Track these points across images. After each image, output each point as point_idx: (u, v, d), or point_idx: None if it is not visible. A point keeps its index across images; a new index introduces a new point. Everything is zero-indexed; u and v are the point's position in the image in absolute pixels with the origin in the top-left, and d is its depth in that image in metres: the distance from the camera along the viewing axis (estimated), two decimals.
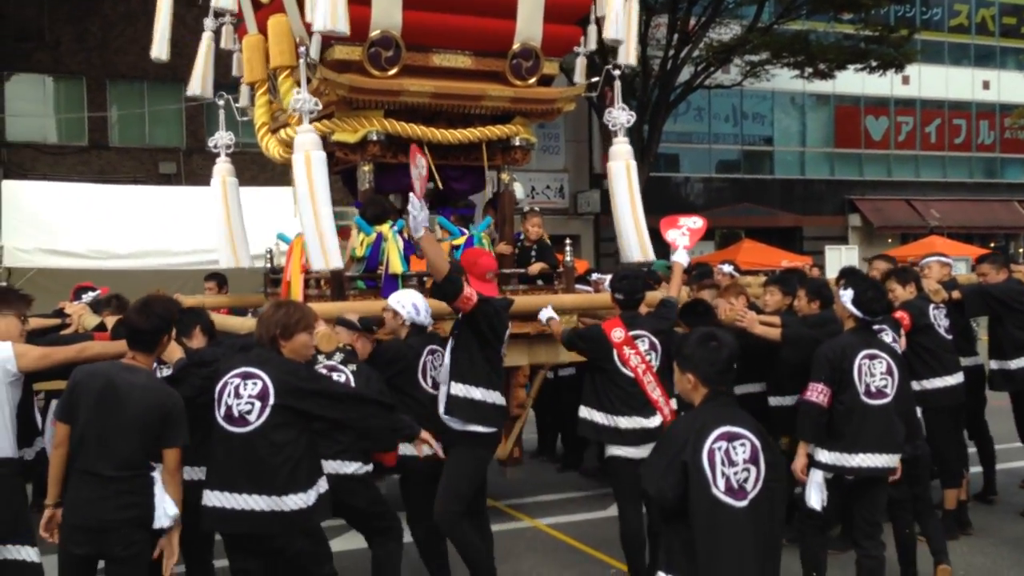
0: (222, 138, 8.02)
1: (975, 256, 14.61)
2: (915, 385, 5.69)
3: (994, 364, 6.73)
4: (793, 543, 5.18)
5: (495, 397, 5.02)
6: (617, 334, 5.33)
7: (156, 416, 3.87)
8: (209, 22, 7.73)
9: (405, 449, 5.05)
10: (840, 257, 20.96)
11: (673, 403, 5.51)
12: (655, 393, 5.34)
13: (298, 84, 6.19)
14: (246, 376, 3.96)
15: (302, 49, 6.07)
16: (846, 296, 4.96)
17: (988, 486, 7.18)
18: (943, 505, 6.42)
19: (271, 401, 3.93)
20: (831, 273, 14.23)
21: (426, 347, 5.20)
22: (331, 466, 4.72)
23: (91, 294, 6.81)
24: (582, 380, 6.87)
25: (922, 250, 19.98)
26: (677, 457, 3.17)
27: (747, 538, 3.15)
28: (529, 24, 6.75)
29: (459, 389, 4.95)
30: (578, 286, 7.47)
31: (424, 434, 4.42)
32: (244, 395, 3.93)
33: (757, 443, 3.22)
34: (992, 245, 27.96)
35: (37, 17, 21.00)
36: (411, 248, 6.87)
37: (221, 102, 8.05)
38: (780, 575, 3.31)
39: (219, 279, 8.68)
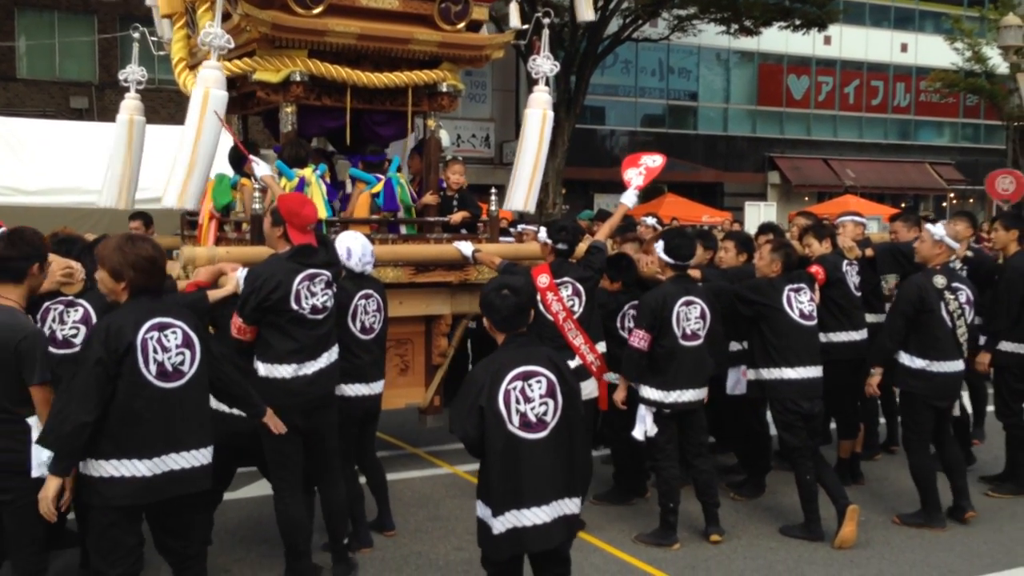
0: (133, 73, 7.72)
1: (887, 215, 15.04)
2: (822, 337, 5.91)
3: None
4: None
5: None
6: (543, 280, 5.48)
7: (10, 353, 3.78)
8: None
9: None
10: (759, 213, 21.38)
11: (600, 347, 5.67)
12: (577, 339, 5.57)
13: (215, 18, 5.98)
14: (163, 327, 3.70)
15: None
16: (658, 247, 5.49)
17: (891, 437, 7.48)
18: (838, 454, 6.71)
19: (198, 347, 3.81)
20: (750, 229, 14.51)
21: (360, 291, 5.15)
22: None
23: None
24: None
25: (837, 209, 20.49)
26: (475, 402, 3.53)
27: (544, 464, 3.55)
28: None
29: None
30: (501, 237, 7.47)
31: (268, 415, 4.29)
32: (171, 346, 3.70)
33: (553, 378, 3.60)
34: (903, 205, 28.84)
35: None
36: (334, 192, 6.78)
37: (136, 35, 7.74)
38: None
39: (145, 218, 8.32)
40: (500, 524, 3.53)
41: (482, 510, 3.61)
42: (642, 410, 5.45)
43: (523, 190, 7.00)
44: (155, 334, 3.63)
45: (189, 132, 5.69)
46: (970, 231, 7.28)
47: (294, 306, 4.53)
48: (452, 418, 3.64)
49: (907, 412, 5.88)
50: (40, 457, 3.76)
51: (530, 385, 3.55)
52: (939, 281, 5.72)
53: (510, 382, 3.54)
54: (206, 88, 5.73)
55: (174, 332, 3.69)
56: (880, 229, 13.36)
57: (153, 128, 8.31)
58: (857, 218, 7.46)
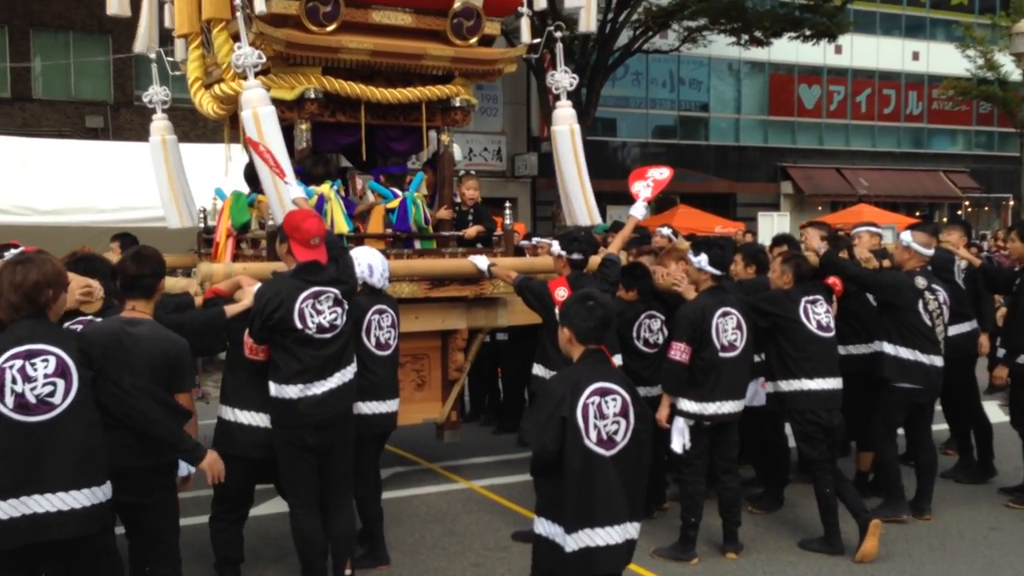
0: (157, 94, 7.78)
1: (902, 225, 14.98)
2: (840, 350, 5.89)
3: None
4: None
5: None
6: (561, 293, 5.47)
7: (163, 363, 3.84)
8: None
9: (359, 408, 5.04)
10: (773, 224, 21.28)
11: (616, 360, 5.65)
12: None
13: (233, 38, 6.02)
14: (31, 355, 3.39)
15: (238, 1, 5.90)
16: (703, 260, 5.45)
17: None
18: (857, 466, 6.68)
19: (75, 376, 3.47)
20: (764, 239, 14.47)
21: (373, 306, 5.15)
22: (260, 418, 4.73)
23: (14, 251, 6.58)
24: (519, 346, 6.92)
25: (851, 218, 20.42)
26: (556, 412, 3.47)
27: (615, 483, 3.50)
28: None
29: None
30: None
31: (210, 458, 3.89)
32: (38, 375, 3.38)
33: (627, 397, 3.56)
34: (917, 214, 28.71)
35: None
36: (352, 206, 6.80)
37: (153, 55, 7.80)
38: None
39: (125, 240, 8.27)
40: (574, 542, 3.46)
41: (548, 527, 3.55)
42: (680, 423, 5.40)
43: (580, 204, 7.08)
44: (17, 363, 3.34)
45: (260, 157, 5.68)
46: (964, 239, 7.43)
47: (298, 325, 4.51)
48: (527, 429, 3.60)
49: (885, 402, 6.05)
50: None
51: (606, 401, 3.51)
52: (920, 282, 5.97)
53: (588, 396, 3.49)
54: (252, 108, 5.77)
55: (44, 360, 3.38)
56: (895, 239, 13.26)
57: None
58: (873, 228, 7.45)
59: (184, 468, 4.09)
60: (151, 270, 4.05)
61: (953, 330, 6.75)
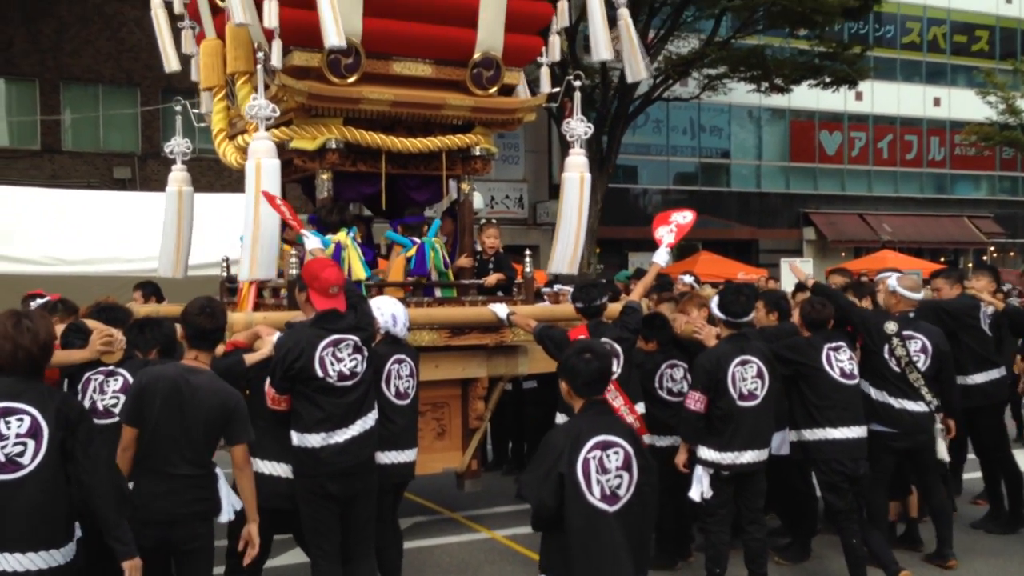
0: (178, 145, 7.92)
1: (926, 271, 14.86)
2: (880, 397, 5.82)
3: None
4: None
5: None
6: None
7: (219, 415, 4.01)
8: None
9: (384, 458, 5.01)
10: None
11: (639, 408, 5.61)
12: (616, 400, 5.48)
13: (256, 90, 6.12)
14: (6, 413, 3.34)
15: (260, 55, 6.00)
16: (713, 304, 5.41)
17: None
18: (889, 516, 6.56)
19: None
20: (787, 286, 14.38)
21: (393, 356, 5.15)
22: (281, 468, 4.71)
23: (40, 301, 6.66)
24: (545, 393, 6.86)
25: (875, 264, 20.30)
26: (554, 468, 3.39)
27: (620, 539, 3.40)
28: (490, 33, 6.74)
29: None
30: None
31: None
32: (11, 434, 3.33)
33: (630, 449, 3.49)
34: (942, 260, 28.49)
35: None
36: (370, 252, 6.84)
37: (178, 108, 7.93)
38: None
39: (148, 289, 8.28)
40: None
41: None
42: (699, 471, 5.32)
43: (566, 252, 7.06)
44: None
45: (249, 204, 5.78)
46: (992, 285, 7.27)
47: (319, 373, 4.52)
48: (526, 484, 3.50)
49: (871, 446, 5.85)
50: (232, 503, 4.08)
51: (608, 455, 3.44)
52: (889, 327, 5.84)
53: (589, 450, 3.42)
54: (257, 159, 5.84)
55: (19, 419, 3.33)
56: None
57: (195, 197, 8.46)
58: (897, 274, 7.38)
59: (225, 514, 4.16)
60: (220, 324, 4.24)
61: (980, 377, 6.65)
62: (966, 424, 7.08)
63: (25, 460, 3.32)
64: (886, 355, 5.80)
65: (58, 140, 21.48)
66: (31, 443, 3.33)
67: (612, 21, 7.41)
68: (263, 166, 5.84)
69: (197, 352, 4.19)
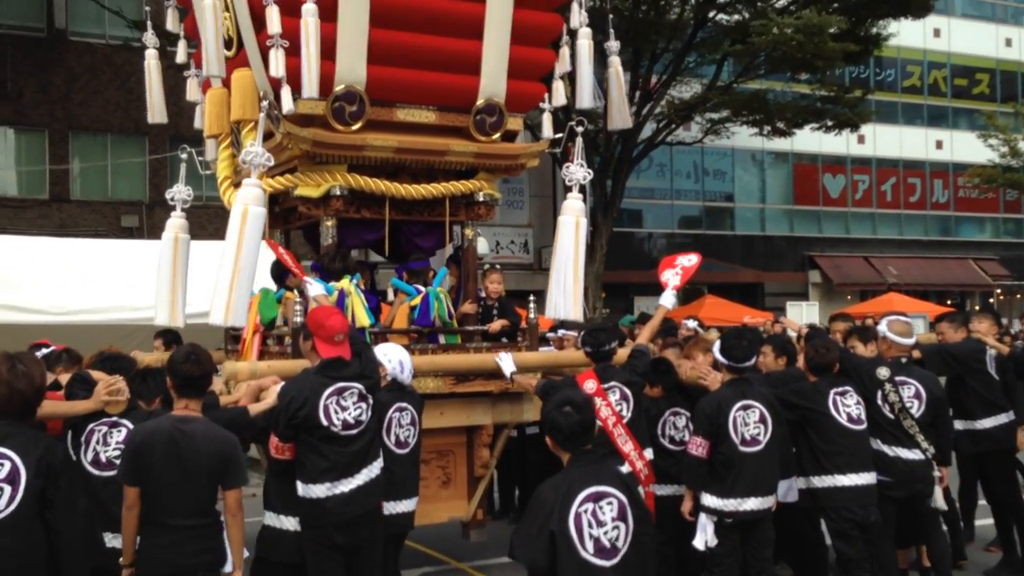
0: (179, 192, 7.92)
1: (933, 314, 14.80)
2: (874, 444, 5.75)
3: (959, 425, 6.70)
4: None
5: None
6: (590, 385, 5.42)
7: (218, 461, 3.97)
8: (150, 38, 7.71)
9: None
10: (801, 313, 21.14)
11: (648, 453, 5.56)
12: (627, 445, 5.46)
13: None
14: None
15: (265, 103, 6.05)
16: (715, 348, 5.37)
17: (956, 551, 7.14)
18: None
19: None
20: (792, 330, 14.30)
21: (395, 403, 5.13)
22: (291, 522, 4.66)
23: (45, 351, 6.65)
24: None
25: (881, 307, 20.23)
26: (545, 526, 3.28)
27: None
28: (493, 80, 6.79)
29: None
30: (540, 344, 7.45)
31: None
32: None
33: (624, 499, 3.38)
34: (949, 302, 28.41)
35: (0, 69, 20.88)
36: (373, 299, 6.83)
37: (183, 155, 7.98)
38: None
39: (168, 336, 8.28)
40: None
41: None
42: (703, 518, 5.23)
43: (563, 297, 6.99)
44: None
45: (230, 249, 5.78)
46: (994, 328, 7.25)
47: (323, 422, 4.49)
48: (517, 544, 3.40)
49: None
50: (230, 553, 4.01)
51: (601, 507, 3.33)
52: (882, 372, 5.77)
53: (581, 504, 3.32)
54: (245, 205, 5.84)
55: (0, 464, 3.37)
56: (927, 327, 13.10)
57: (201, 244, 8.49)
58: (902, 318, 7.34)
59: (229, 564, 4.12)
60: (206, 371, 4.17)
61: (989, 422, 6.59)
62: (976, 470, 7.02)
63: (1, 505, 3.34)
64: (879, 401, 5.74)
65: (66, 189, 21.63)
66: (8, 488, 3.34)
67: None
68: (250, 213, 5.81)
69: (187, 401, 4.12)
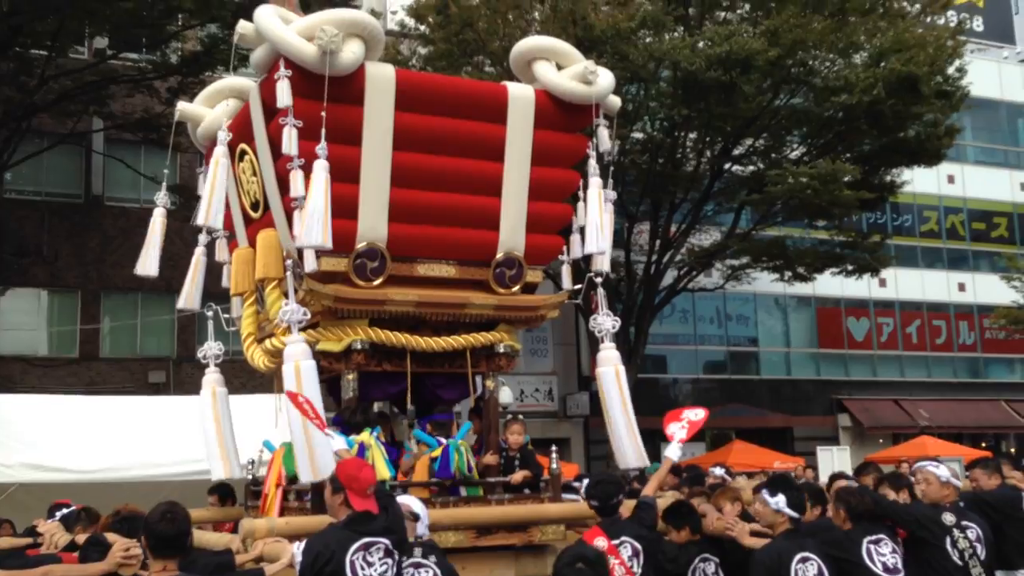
0: (211, 348, 8.06)
1: (968, 457, 14.48)
2: None
3: (999, 575, 6.50)
4: None
5: None
6: (600, 543, 5.26)
7: None
8: (202, 237, 7.95)
9: None
10: (832, 458, 20.72)
11: None
12: None
13: (285, 295, 6.29)
14: None
15: (289, 262, 6.21)
16: (780, 501, 5.17)
17: None
18: None
19: None
20: (824, 475, 14.00)
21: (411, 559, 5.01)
22: None
23: (65, 511, 6.63)
24: None
25: (914, 451, 19.84)
26: None
27: None
28: (512, 235, 6.96)
29: None
30: (565, 495, 7.33)
31: None
32: None
33: None
34: (983, 445, 27.77)
35: (37, 233, 21.57)
36: (394, 451, 6.79)
37: (210, 313, 8.14)
38: None
39: (222, 491, 8.32)
40: None
41: None
42: None
43: (628, 445, 7.00)
44: None
45: (294, 413, 5.74)
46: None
47: None
48: None
49: None
50: None
51: None
52: (948, 518, 5.64)
53: None
54: (295, 362, 5.92)
55: None
56: (961, 470, 12.74)
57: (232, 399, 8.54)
58: (936, 463, 7.20)
59: None
60: (184, 529, 4.00)
61: None
62: None
63: None
64: (948, 547, 5.58)
65: (96, 347, 21.95)
66: None
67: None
68: (302, 368, 5.91)
69: (164, 562, 3.93)
